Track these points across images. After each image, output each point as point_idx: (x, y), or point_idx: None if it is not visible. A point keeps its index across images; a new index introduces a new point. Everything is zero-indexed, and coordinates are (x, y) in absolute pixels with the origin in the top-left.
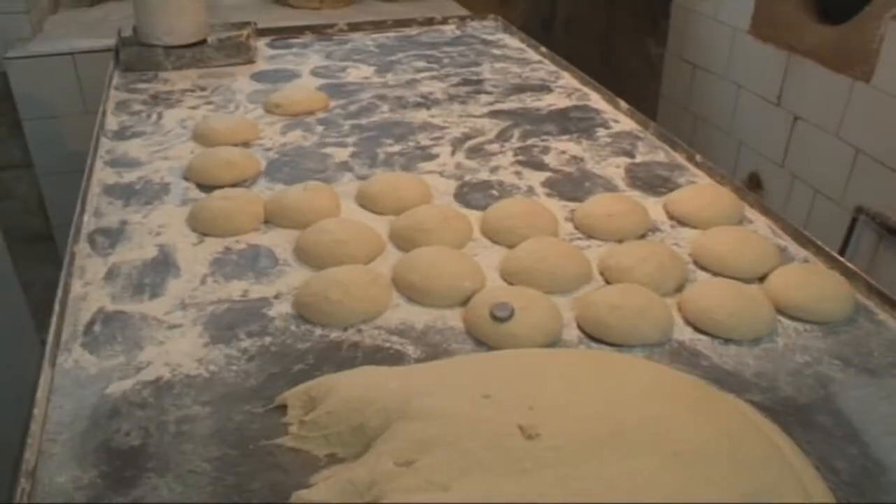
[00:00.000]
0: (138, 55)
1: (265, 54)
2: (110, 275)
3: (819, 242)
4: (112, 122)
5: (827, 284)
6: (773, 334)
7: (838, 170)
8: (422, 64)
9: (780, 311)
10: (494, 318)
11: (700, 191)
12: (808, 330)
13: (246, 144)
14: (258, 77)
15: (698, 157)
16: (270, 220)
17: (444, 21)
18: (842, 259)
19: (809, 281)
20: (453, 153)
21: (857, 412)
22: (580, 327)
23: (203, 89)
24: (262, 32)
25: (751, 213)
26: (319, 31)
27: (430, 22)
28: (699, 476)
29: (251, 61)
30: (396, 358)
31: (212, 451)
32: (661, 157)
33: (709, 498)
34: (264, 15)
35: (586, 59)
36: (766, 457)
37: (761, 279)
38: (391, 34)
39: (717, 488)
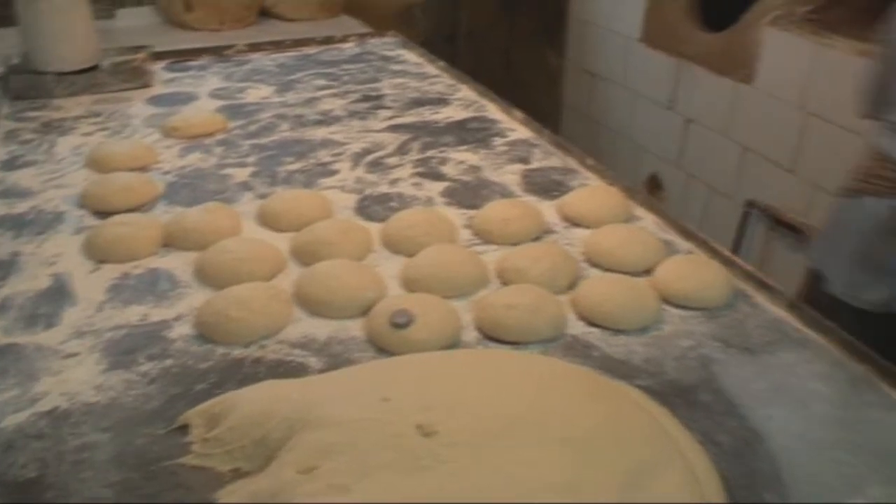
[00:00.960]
0: (28, 83)
1: (162, 78)
2: (2, 308)
3: (701, 235)
4: (1, 153)
5: (708, 273)
6: (660, 322)
7: (729, 167)
8: (322, 82)
9: (666, 300)
10: (394, 325)
11: (591, 192)
12: (692, 316)
13: (143, 169)
14: (155, 101)
15: (589, 161)
16: (170, 243)
17: (344, 39)
18: (720, 248)
19: (692, 271)
20: (353, 168)
21: (736, 388)
22: (478, 328)
23: (97, 115)
24: (158, 56)
25: (639, 212)
26: (218, 52)
27: (329, 40)
28: (588, 458)
29: (147, 85)
30: (299, 370)
31: (113, 476)
32: (555, 162)
33: (598, 476)
34: (161, 38)
35: (490, 71)
36: (651, 436)
37: (649, 272)
38: (291, 53)
39: (605, 467)
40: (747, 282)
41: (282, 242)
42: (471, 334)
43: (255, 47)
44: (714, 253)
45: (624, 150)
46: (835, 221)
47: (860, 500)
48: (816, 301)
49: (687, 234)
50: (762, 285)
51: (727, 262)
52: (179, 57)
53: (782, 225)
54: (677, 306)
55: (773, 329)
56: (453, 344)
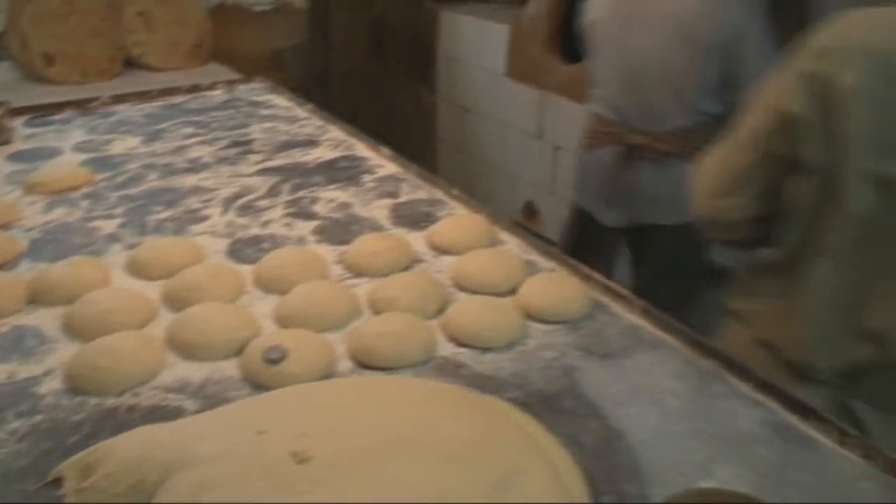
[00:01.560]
0: None
1: (22, 134)
2: None
3: (560, 254)
4: None
5: (568, 288)
6: (525, 338)
7: None
8: (190, 130)
9: (530, 316)
10: (268, 361)
11: (457, 221)
12: (555, 329)
13: (5, 227)
14: (16, 157)
15: (455, 191)
16: (35, 299)
17: (212, 86)
18: (579, 265)
19: (553, 287)
20: (224, 213)
21: (597, 392)
22: (352, 358)
23: None
24: (18, 111)
25: (504, 236)
26: (81, 105)
27: (197, 88)
28: (459, 469)
29: (7, 142)
30: (175, 414)
31: None
32: (422, 194)
33: (467, 486)
34: (21, 93)
35: (366, 111)
36: (518, 444)
37: (514, 292)
38: (158, 103)
39: (474, 476)
40: (605, 293)
41: (153, 290)
42: (345, 364)
43: (120, 98)
44: (573, 269)
45: (499, 180)
46: (581, 169)
47: (711, 482)
48: (580, 228)
49: (548, 254)
50: (618, 296)
51: (585, 277)
52: (40, 112)
53: None
54: (541, 321)
55: (629, 335)
56: (328, 375)
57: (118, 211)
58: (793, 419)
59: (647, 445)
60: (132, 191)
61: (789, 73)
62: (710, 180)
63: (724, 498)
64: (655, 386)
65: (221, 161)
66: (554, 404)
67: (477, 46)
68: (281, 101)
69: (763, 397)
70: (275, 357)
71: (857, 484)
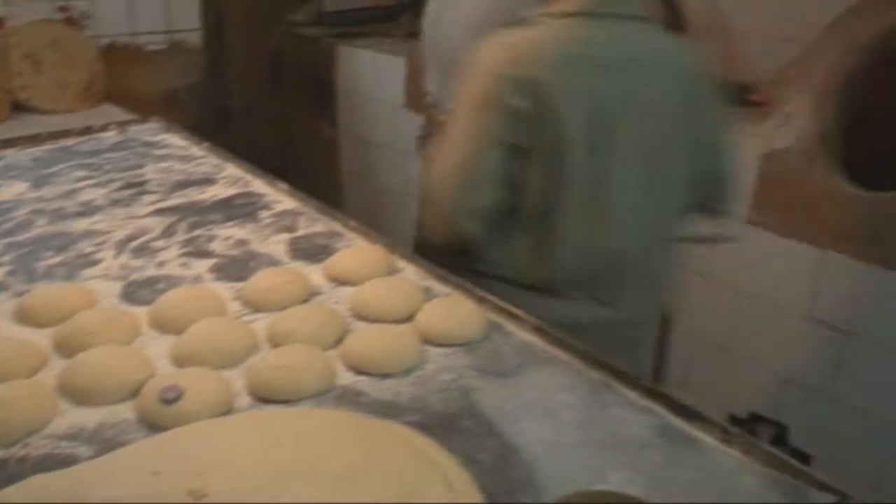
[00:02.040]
0: None
1: None
2: None
3: (456, 278)
4: None
5: (463, 312)
6: (424, 362)
7: None
8: (82, 173)
9: (428, 341)
10: (163, 401)
11: (355, 252)
12: (453, 352)
13: None
14: None
15: (353, 223)
16: None
17: (104, 128)
18: (473, 288)
19: (449, 312)
20: (117, 256)
21: (494, 410)
22: (251, 393)
23: None
24: None
25: (401, 264)
26: None
27: (88, 130)
28: (354, 492)
29: None
30: (69, 462)
31: None
32: (320, 227)
33: None
34: None
35: (269, 147)
36: (415, 465)
37: (412, 318)
38: (48, 147)
39: (370, 499)
40: (499, 314)
41: (43, 338)
42: (244, 400)
43: (7, 143)
44: (469, 293)
45: (403, 210)
46: (422, 188)
47: (603, 487)
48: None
49: (444, 279)
50: (512, 316)
51: (480, 300)
52: None
53: None
54: (439, 345)
55: (524, 353)
56: (226, 412)
57: (5, 259)
58: (678, 422)
59: (542, 457)
60: (19, 237)
61: (502, 76)
62: (452, 176)
63: (607, 498)
64: (549, 400)
65: (115, 203)
66: (452, 425)
67: (375, 79)
68: (176, 141)
69: (650, 403)
70: (170, 397)
71: (739, 478)
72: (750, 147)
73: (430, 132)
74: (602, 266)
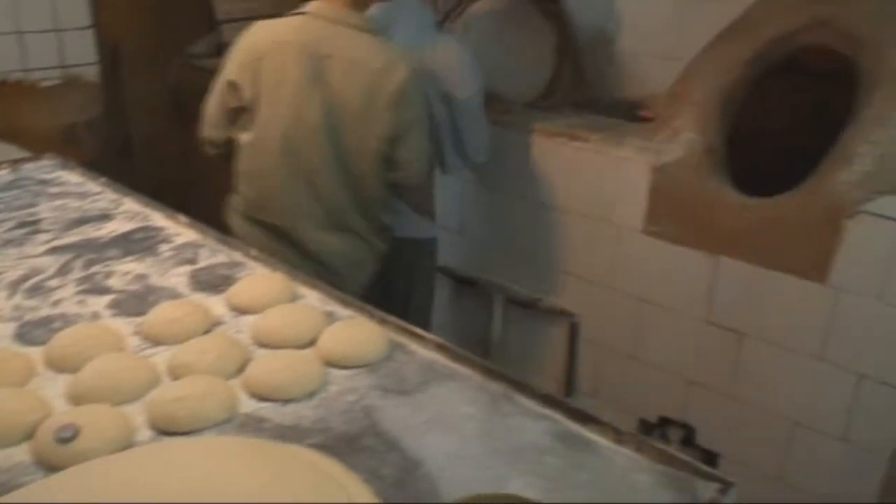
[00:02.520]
0: None
1: None
2: None
3: (358, 302)
4: None
5: (365, 333)
6: (327, 385)
7: None
8: None
9: (331, 364)
10: (59, 440)
11: (256, 281)
12: (355, 374)
13: None
14: None
15: (254, 252)
16: None
17: None
18: (374, 310)
19: (351, 334)
20: (10, 297)
21: (396, 427)
22: (152, 427)
23: None
24: None
25: (303, 290)
26: None
27: None
28: None
29: None
30: None
31: None
32: (221, 258)
33: None
34: None
35: (172, 178)
36: (315, 486)
37: (314, 343)
38: None
39: None
40: (401, 334)
41: None
42: (145, 434)
43: None
44: (370, 314)
45: None
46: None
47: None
48: None
49: (346, 303)
50: (414, 335)
51: (382, 321)
52: None
53: (463, 283)
54: (342, 367)
55: (426, 370)
56: (126, 447)
57: None
58: (574, 426)
59: (445, 469)
60: None
61: (232, 51)
62: (208, 115)
63: (501, 499)
64: (451, 413)
65: (7, 244)
66: (355, 444)
67: None
68: (72, 177)
69: (548, 411)
70: (66, 436)
71: (632, 475)
72: (641, 161)
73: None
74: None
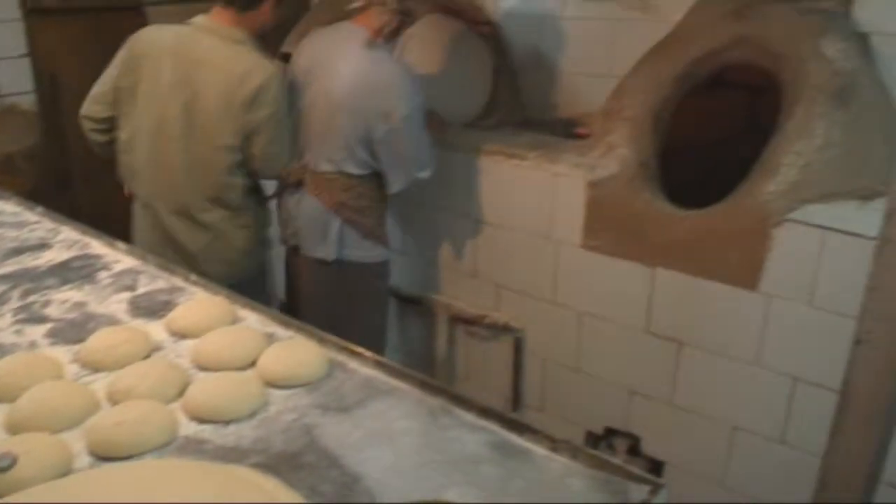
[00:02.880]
0: None
1: None
2: None
3: (296, 321)
4: None
5: (305, 353)
6: (267, 405)
7: None
8: None
9: (271, 384)
10: None
11: (195, 305)
12: (295, 393)
13: None
14: None
15: (194, 277)
16: None
17: None
18: (314, 329)
19: (291, 354)
20: None
21: (336, 444)
22: (91, 453)
23: None
24: None
25: (243, 313)
26: None
27: None
28: None
29: None
30: None
31: None
32: (161, 284)
33: None
34: None
35: (115, 207)
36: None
37: (255, 364)
38: None
39: None
40: (341, 353)
41: None
42: (84, 460)
43: None
44: (310, 334)
45: None
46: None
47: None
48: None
49: (287, 324)
50: (353, 353)
51: (322, 340)
52: None
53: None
54: (281, 387)
55: (365, 387)
56: (65, 474)
57: None
58: (511, 436)
59: (384, 482)
60: None
61: (122, 56)
62: (91, 94)
63: None
64: (389, 428)
65: None
66: (295, 461)
67: None
68: (8, 207)
69: (485, 422)
70: (3, 465)
71: (567, 481)
72: (577, 177)
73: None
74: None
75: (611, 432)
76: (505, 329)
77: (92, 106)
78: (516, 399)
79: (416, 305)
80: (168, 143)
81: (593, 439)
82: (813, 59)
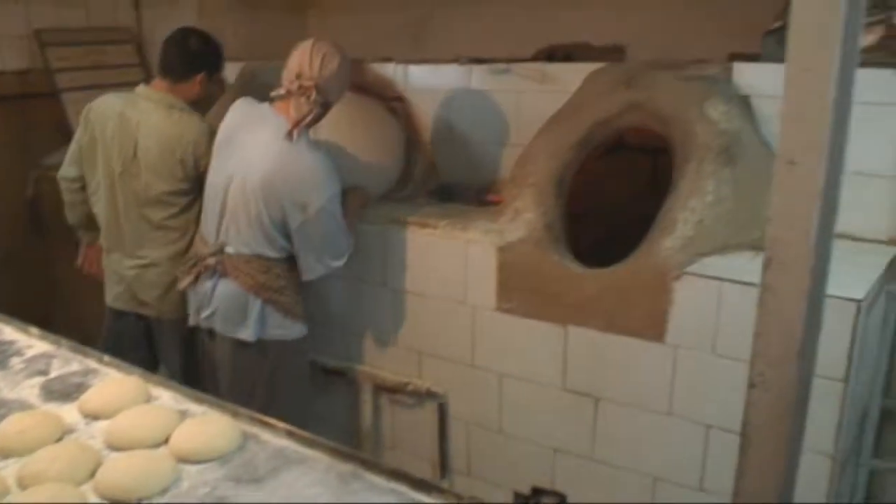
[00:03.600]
0: None
1: None
2: None
3: (211, 397)
4: None
5: (216, 428)
6: (179, 480)
7: None
8: None
9: (184, 459)
10: None
11: (107, 386)
12: (208, 467)
13: None
14: None
15: (107, 359)
16: None
17: None
18: (227, 404)
19: (202, 429)
20: None
21: None
22: None
23: None
24: None
25: (157, 391)
26: None
27: None
28: None
29: None
30: None
31: None
32: (75, 367)
33: None
34: None
35: (35, 291)
36: None
37: (168, 441)
38: None
39: None
40: (253, 424)
41: None
42: None
43: None
44: (223, 408)
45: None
46: None
47: None
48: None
49: (200, 399)
50: (266, 425)
51: (234, 413)
52: None
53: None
54: (194, 462)
55: (278, 457)
56: None
57: None
58: (419, 496)
59: None
60: None
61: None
62: (66, 158)
63: None
64: (300, 496)
65: None
66: None
67: None
68: None
69: (394, 484)
70: None
71: None
72: (487, 242)
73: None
74: None
75: (538, 492)
76: (428, 395)
77: (65, 168)
78: (443, 465)
79: (339, 377)
80: (117, 195)
81: (521, 500)
82: (699, 121)
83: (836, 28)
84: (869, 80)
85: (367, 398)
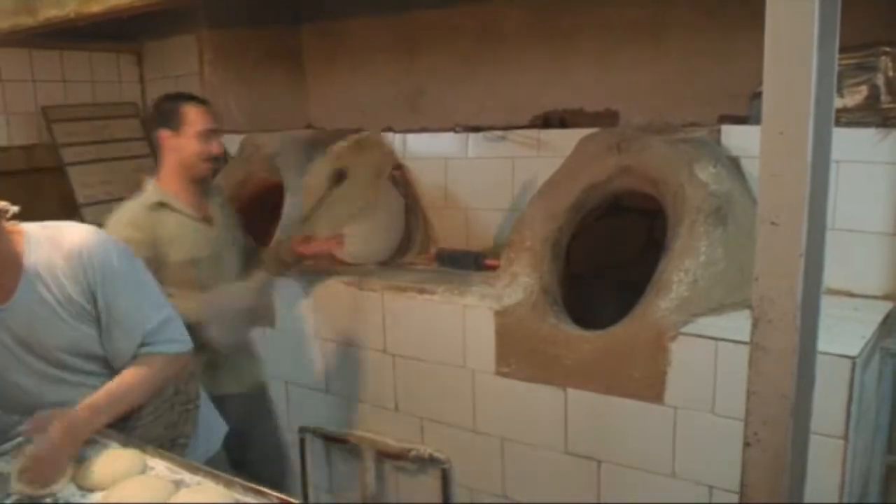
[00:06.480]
0: None
1: None
2: None
3: (206, 467)
4: None
5: (209, 498)
6: None
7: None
8: None
9: None
10: None
11: (104, 457)
12: None
13: None
14: None
15: (106, 430)
16: None
17: None
18: (221, 474)
19: (195, 500)
20: None
21: None
22: None
23: None
24: None
25: (153, 462)
26: None
27: None
28: None
29: None
30: None
31: None
32: None
33: None
34: None
35: None
36: None
37: None
38: None
39: None
40: (246, 494)
41: None
42: None
43: None
44: (216, 478)
45: None
46: None
47: None
48: None
49: (195, 469)
50: (259, 493)
51: (229, 483)
52: None
53: (331, 441)
54: None
55: None
56: None
57: None
58: None
59: None
60: None
61: None
62: None
63: None
64: None
65: None
66: None
67: None
68: None
69: None
70: None
71: None
72: (484, 307)
73: None
74: None
75: None
76: (431, 461)
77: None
78: None
79: (341, 444)
80: None
81: None
82: (689, 183)
83: (808, 90)
84: (856, 140)
85: (369, 465)
